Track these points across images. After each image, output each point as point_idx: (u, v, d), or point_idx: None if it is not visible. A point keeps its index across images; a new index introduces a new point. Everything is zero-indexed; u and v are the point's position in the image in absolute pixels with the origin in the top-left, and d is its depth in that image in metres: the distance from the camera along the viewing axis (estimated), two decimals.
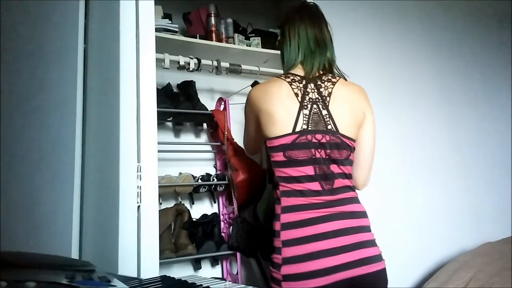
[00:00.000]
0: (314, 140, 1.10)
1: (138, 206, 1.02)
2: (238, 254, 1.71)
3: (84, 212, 1.25)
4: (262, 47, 1.92)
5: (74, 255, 1.18)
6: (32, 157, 1.30)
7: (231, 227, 1.50)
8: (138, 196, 1.02)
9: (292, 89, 1.15)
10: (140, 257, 0.99)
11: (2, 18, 1.36)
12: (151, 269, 0.99)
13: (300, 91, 1.15)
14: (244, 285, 0.70)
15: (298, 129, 1.10)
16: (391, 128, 2.26)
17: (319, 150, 1.10)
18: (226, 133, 1.70)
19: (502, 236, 2.22)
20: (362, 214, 1.14)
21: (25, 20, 1.39)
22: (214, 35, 1.83)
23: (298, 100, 1.13)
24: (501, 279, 1.71)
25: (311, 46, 1.21)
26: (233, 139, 1.72)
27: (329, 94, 1.16)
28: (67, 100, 1.32)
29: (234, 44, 1.87)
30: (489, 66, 2.90)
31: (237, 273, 1.74)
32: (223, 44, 1.82)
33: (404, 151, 2.28)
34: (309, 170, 1.10)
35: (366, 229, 1.13)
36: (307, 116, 1.12)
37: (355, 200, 1.15)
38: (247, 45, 1.91)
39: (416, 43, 2.57)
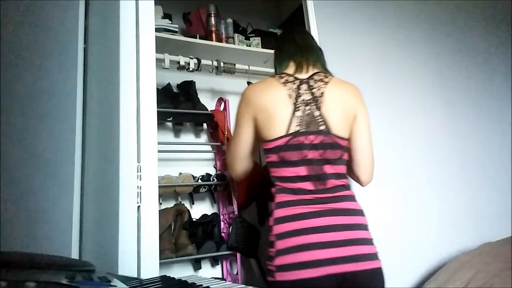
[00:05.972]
0: (306, 142, 1.13)
1: (138, 206, 1.02)
2: (238, 254, 1.71)
3: (84, 212, 1.25)
4: (262, 47, 1.92)
5: (74, 255, 1.18)
6: (32, 157, 1.30)
7: (231, 227, 1.50)
8: (138, 196, 1.02)
9: (286, 90, 1.17)
10: (140, 257, 0.99)
11: (2, 19, 1.36)
12: (151, 269, 1.00)
13: (294, 93, 1.17)
14: (244, 285, 0.70)
15: (291, 131, 1.13)
16: (390, 129, 2.25)
17: (312, 151, 1.12)
18: (226, 133, 1.71)
19: (502, 236, 2.22)
20: (357, 212, 1.14)
21: (25, 20, 1.39)
22: (214, 35, 1.83)
23: (291, 102, 1.16)
24: (501, 279, 1.70)
25: (300, 43, 1.29)
26: None
27: (322, 94, 1.18)
28: (67, 100, 1.32)
29: (234, 44, 1.88)
30: (490, 67, 2.90)
31: (237, 273, 1.74)
32: (223, 44, 1.82)
33: (404, 152, 2.28)
34: (301, 171, 1.12)
35: (361, 227, 1.13)
36: (300, 118, 1.14)
37: (349, 198, 1.15)
38: (247, 45, 1.91)
39: (415, 44, 2.57)
